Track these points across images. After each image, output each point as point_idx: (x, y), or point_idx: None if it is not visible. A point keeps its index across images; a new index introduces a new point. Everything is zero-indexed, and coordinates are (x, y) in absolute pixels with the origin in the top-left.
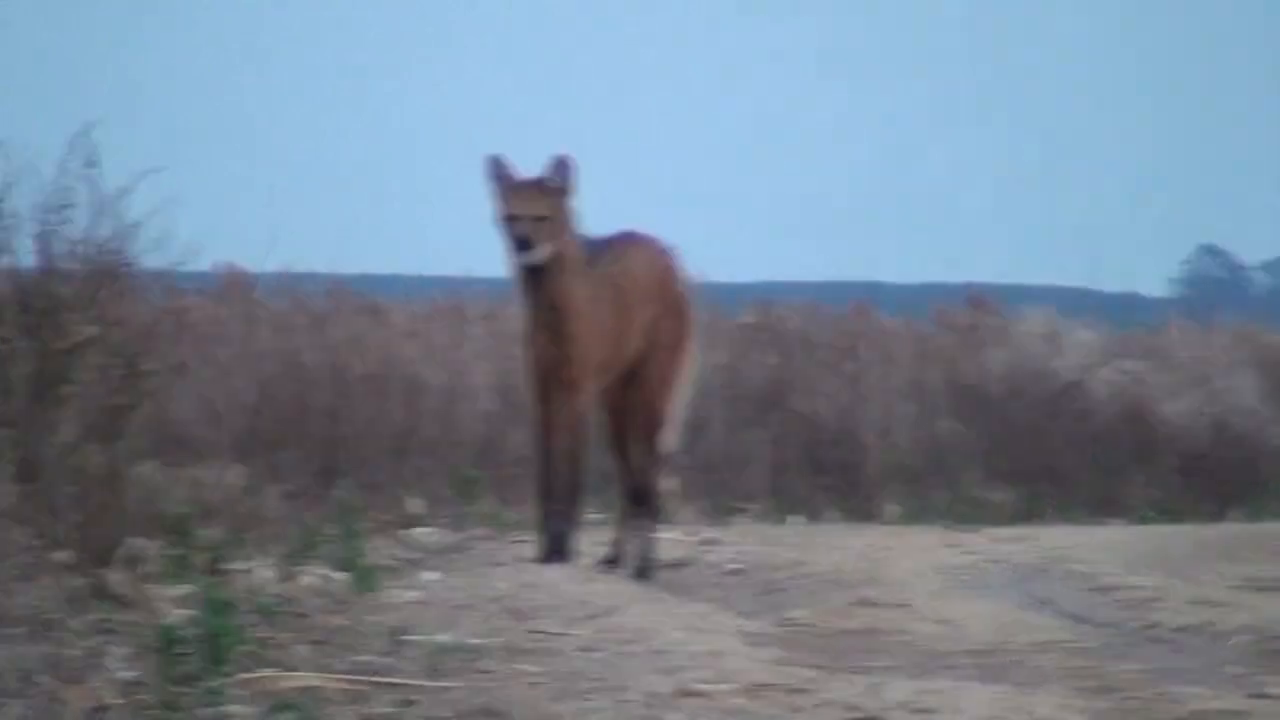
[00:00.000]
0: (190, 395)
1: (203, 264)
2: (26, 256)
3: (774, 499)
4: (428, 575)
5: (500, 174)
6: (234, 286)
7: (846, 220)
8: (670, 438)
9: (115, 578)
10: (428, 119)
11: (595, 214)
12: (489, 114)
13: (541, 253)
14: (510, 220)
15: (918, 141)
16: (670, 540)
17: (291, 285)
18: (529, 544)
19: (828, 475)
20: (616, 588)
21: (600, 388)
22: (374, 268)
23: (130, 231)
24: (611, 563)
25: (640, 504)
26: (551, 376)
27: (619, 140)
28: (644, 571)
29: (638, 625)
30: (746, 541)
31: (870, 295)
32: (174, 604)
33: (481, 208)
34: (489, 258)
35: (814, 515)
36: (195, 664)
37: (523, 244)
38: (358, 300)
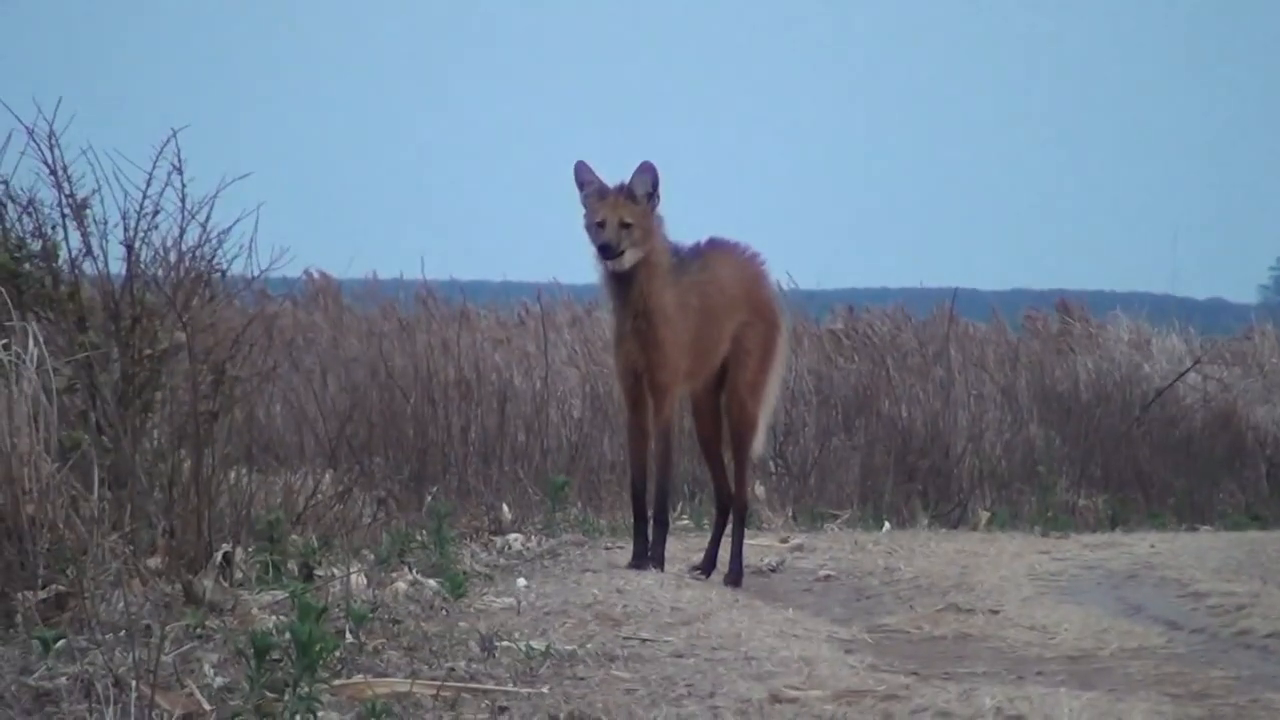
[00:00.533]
0: (280, 401)
1: (291, 270)
2: (114, 263)
3: (864, 505)
4: (519, 582)
5: (586, 180)
6: (322, 292)
7: (933, 227)
8: (760, 443)
9: (207, 584)
10: (514, 127)
11: (685, 222)
12: (575, 122)
13: (628, 259)
14: (597, 226)
15: (1002, 150)
16: (761, 547)
17: (378, 291)
18: (620, 550)
19: (918, 481)
20: (708, 594)
21: (687, 393)
22: (461, 274)
23: (218, 237)
24: (702, 569)
25: (730, 509)
26: (640, 382)
27: (707, 148)
28: (734, 577)
29: (730, 631)
30: (837, 548)
31: (957, 301)
32: (266, 610)
33: (569, 214)
34: (576, 264)
35: (904, 521)
36: (287, 670)
37: (608, 250)
38: (446, 307)
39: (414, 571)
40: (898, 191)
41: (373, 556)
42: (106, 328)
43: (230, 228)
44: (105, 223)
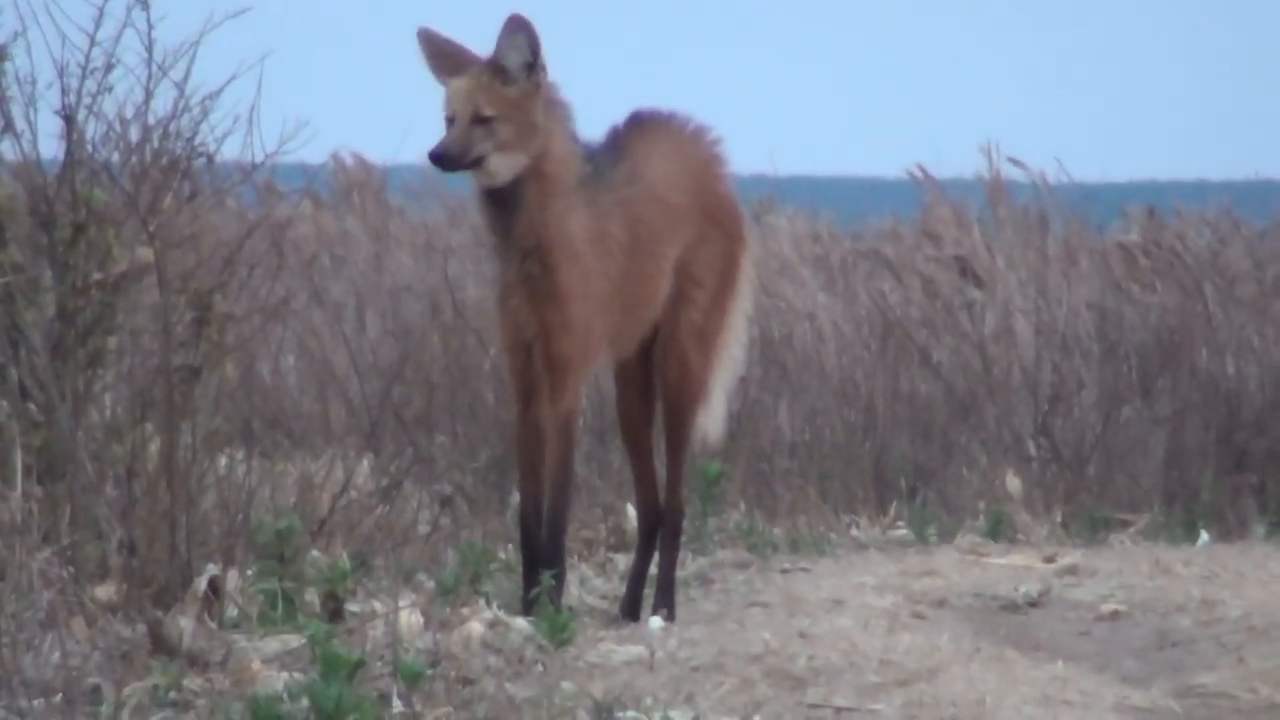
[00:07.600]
0: (295, 351)
1: (314, 154)
2: (47, 142)
3: (1171, 507)
4: (653, 622)
5: (436, 51)
6: (358, 187)
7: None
8: (713, 420)
9: (184, 625)
10: None
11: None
12: None
13: (495, 171)
14: (448, 124)
15: None
16: (1015, 568)
17: (443, 187)
18: (804, 573)
19: (1252, 471)
20: (935, 640)
21: (614, 363)
22: None
23: (202, 105)
24: (622, 611)
25: (657, 526)
26: (534, 357)
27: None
28: (665, 609)
29: (967, 695)
30: (1130, 570)
31: None
32: (273, 664)
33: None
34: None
35: (1233, 531)
36: None
37: (445, 159)
38: None
39: (495, 607)
40: (1216, 51)
41: (433, 584)
42: (35, 240)
43: (220, 90)
44: (33, 82)
